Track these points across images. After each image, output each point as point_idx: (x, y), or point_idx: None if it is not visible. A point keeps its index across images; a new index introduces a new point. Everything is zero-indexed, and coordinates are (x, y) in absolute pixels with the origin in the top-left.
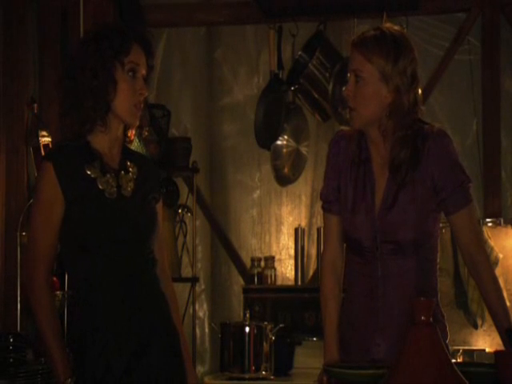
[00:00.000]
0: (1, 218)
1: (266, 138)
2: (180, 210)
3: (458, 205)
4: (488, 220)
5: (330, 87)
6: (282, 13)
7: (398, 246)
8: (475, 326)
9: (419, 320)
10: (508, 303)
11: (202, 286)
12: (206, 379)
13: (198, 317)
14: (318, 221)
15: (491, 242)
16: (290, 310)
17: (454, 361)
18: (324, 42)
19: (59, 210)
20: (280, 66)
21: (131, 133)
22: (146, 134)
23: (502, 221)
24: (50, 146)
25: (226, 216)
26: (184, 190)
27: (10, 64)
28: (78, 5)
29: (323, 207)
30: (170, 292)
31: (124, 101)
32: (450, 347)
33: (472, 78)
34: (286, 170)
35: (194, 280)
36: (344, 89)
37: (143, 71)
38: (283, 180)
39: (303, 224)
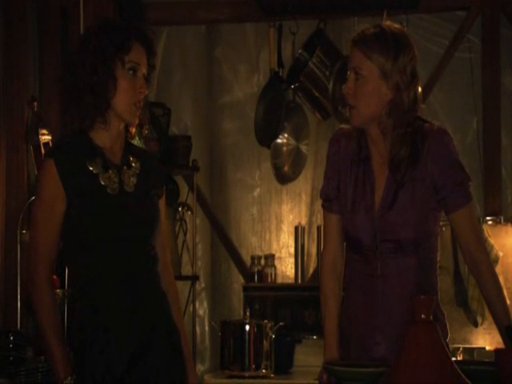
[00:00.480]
0: (1, 217)
1: (266, 136)
2: (180, 208)
3: (458, 203)
4: (488, 218)
5: (330, 85)
6: (282, 11)
7: (398, 245)
8: (475, 324)
9: (419, 318)
10: (508, 301)
11: (202, 285)
12: (206, 377)
13: (198, 315)
14: (318, 219)
15: (491, 240)
16: (290, 308)
17: (454, 359)
18: (324, 41)
19: (61, 207)
20: (280, 64)
21: (132, 129)
22: (146, 132)
23: (502, 219)
24: (50, 144)
25: (226, 214)
26: (184, 188)
27: (10, 63)
28: (78, 4)
29: (323, 206)
30: (172, 289)
31: (124, 99)
32: (450, 345)
33: (472, 76)
34: (286, 168)
35: (194, 278)
36: (344, 86)
37: (144, 70)
38: (283, 178)
39: (303, 222)
